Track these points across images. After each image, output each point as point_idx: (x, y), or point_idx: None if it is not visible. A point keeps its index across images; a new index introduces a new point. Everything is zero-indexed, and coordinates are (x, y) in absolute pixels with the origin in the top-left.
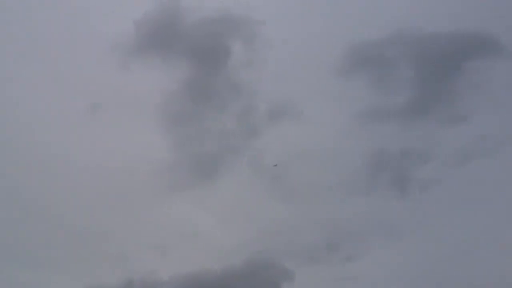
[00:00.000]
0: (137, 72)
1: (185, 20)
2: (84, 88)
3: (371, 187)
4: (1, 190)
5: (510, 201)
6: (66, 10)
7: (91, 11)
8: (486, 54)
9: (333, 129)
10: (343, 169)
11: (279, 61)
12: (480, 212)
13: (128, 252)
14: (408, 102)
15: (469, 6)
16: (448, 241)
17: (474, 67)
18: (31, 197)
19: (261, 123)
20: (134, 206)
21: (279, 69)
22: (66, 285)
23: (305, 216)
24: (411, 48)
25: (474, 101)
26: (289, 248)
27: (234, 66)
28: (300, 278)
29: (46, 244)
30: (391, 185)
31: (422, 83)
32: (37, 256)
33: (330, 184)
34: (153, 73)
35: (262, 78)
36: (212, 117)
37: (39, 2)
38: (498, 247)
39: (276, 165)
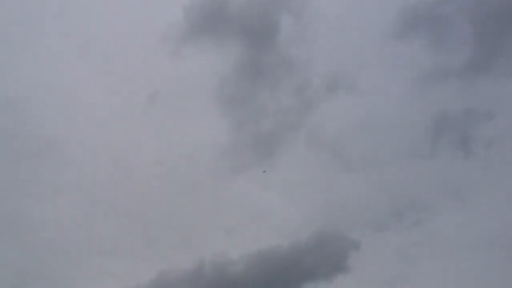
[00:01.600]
0: (190, 58)
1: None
2: (140, 80)
3: (435, 150)
4: (76, 186)
5: None
6: (114, 4)
7: (139, 2)
8: None
9: (392, 96)
10: (405, 135)
11: (330, 32)
12: None
13: (197, 236)
14: (468, 59)
15: None
16: None
17: None
18: (103, 191)
19: (317, 97)
20: (199, 190)
21: (331, 40)
22: (142, 271)
23: (369, 186)
24: (467, 3)
25: None
26: (355, 218)
27: (285, 42)
28: (366, 247)
29: (121, 234)
30: (455, 146)
31: (481, 39)
32: (114, 245)
33: (392, 152)
34: (206, 57)
35: (314, 51)
36: (268, 96)
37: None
38: None
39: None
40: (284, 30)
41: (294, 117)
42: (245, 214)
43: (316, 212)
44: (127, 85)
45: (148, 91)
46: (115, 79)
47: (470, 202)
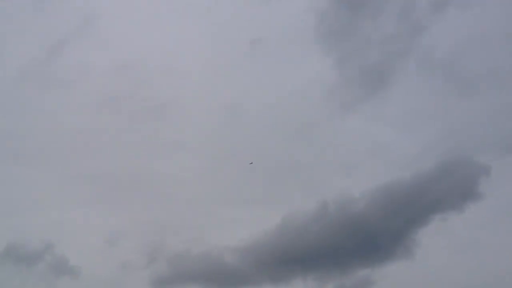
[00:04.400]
0: None
1: None
2: (239, 28)
3: None
4: (195, 140)
5: None
6: None
7: None
8: None
9: (508, 3)
10: None
11: None
12: None
13: (317, 176)
14: None
15: None
16: None
17: None
18: (221, 142)
19: (424, 18)
20: (312, 131)
21: None
22: (267, 217)
23: (492, 105)
24: None
25: None
26: (480, 142)
27: None
28: (498, 171)
29: (244, 183)
30: None
31: None
32: (238, 194)
33: None
34: None
35: None
36: (371, 25)
37: None
38: None
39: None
40: None
41: (401, 43)
42: (361, 151)
43: (436, 140)
44: (228, 35)
45: (248, 37)
46: (216, 31)
47: None
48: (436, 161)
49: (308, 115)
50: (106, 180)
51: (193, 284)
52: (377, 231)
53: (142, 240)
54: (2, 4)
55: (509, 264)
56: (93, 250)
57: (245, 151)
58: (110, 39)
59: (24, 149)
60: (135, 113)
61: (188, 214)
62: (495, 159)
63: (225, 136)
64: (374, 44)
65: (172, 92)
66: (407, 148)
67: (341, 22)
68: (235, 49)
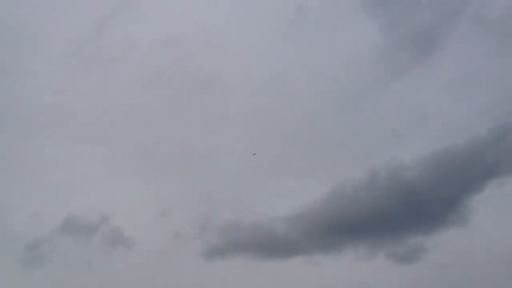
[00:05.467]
0: None
1: None
2: None
3: None
4: (240, 113)
5: None
6: None
7: None
8: None
9: None
10: None
11: None
12: None
13: (367, 145)
14: None
15: None
16: None
17: None
18: (267, 115)
19: None
20: (362, 99)
21: None
22: (317, 187)
23: None
24: None
25: None
26: None
27: None
28: None
29: (292, 155)
30: None
31: None
32: (287, 166)
33: None
34: None
35: None
36: None
37: None
38: None
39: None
40: None
41: (453, 4)
42: (412, 117)
43: (491, 104)
44: (273, 3)
45: (294, 4)
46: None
47: None
48: (490, 125)
49: (356, 82)
50: (157, 154)
51: (244, 254)
52: (430, 198)
53: (193, 211)
54: None
55: None
56: (146, 222)
57: (291, 124)
58: (154, 14)
59: (78, 126)
60: (182, 87)
61: (238, 185)
62: None
63: (272, 107)
64: (424, 6)
65: (217, 65)
66: (460, 113)
67: None
68: (281, 17)
